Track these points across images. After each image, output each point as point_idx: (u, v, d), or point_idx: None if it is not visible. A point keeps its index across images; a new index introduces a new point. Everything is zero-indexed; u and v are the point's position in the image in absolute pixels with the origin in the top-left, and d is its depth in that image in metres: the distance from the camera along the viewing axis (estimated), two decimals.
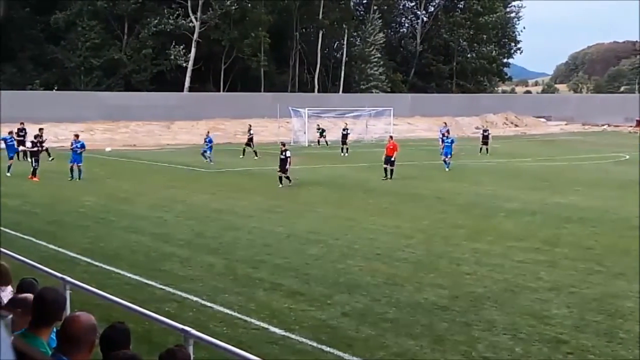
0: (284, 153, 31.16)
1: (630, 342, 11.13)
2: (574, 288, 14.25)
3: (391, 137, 37.44)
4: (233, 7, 77.31)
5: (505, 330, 11.69)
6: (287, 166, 30.96)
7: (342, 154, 47.32)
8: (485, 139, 49.60)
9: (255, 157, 43.46)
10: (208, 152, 41.27)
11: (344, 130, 50.17)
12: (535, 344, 11.08)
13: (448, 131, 44.68)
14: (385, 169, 33.83)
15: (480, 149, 48.75)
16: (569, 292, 13.96)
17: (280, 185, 30.69)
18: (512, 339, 11.28)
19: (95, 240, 18.85)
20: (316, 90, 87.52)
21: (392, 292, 13.90)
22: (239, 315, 12.40)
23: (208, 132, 44.26)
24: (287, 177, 31.00)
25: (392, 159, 33.88)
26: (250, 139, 46.27)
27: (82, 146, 33.18)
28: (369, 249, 17.98)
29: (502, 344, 11.09)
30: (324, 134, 56.36)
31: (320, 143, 55.82)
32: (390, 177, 33.39)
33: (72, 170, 32.29)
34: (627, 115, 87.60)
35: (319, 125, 57.69)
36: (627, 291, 14.02)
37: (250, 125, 49.41)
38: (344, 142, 48.85)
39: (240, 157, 44.31)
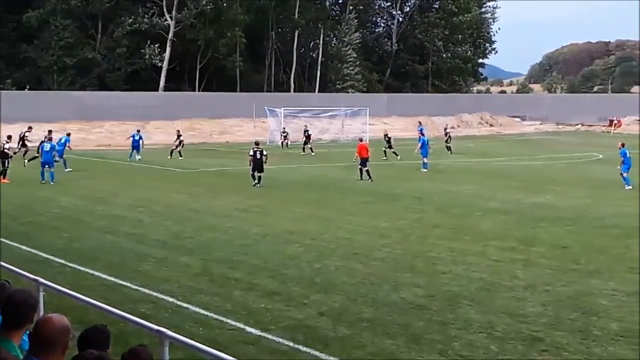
0: (257, 152, 31.07)
1: (604, 339, 11.19)
2: (549, 286, 14.32)
3: (361, 139, 37.83)
4: (208, 7, 77.07)
5: (481, 328, 11.72)
6: (264, 165, 31.17)
7: (307, 154, 47.99)
8: (447, 137, 50.80)
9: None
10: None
11: (305, 131, 51.86)
12: (511, 342, 11.12)
13: (422, 131, 44.81)
14: (361, 170, 33.85)
15: (447, 148, 49.39)
16: (544, 291, 14.02)
17: (254, 184, 30.71)
18: (488, 337, 11.30)
19: (70, 241, 18.70)
20: (292, 90, 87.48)
21: (369, 292, 13.90)
22: (215, 316, 12.34)
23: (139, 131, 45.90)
24: (259, 177, 30.91)
25: (367, 159, 34.00)
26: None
27: (53, 148, 32.37)
28: (345, 248, 17.96)
29: (478, 342, 11.12)
30: (288, 136, 56.14)
31: (283, 145, 55.41)
32: (370, 178, 33.23)
33: (42, 173, 31.15)
34: (600, 115, 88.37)
35: (284, 128, 57.52)
36: (602, 289, 14.10)
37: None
38: (306, 143, 50.31)
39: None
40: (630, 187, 30.40)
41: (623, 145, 32.60)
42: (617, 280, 14.75)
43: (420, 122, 58.98)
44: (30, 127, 40.44)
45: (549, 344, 11.00)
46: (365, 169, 33.67)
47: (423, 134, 41.52)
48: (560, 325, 11.90)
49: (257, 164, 30.96)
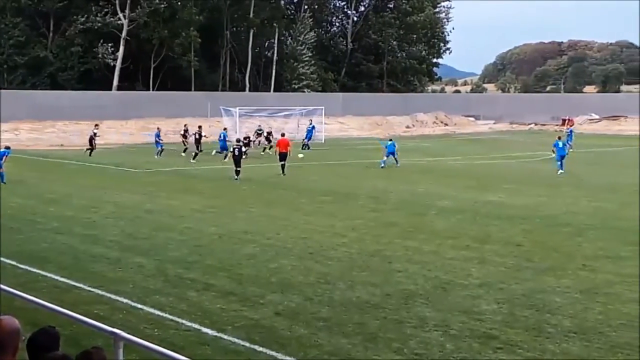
0: (236, 149, 33.31)
1: (557, 336, 11.33)
2: (503, 284, 14.47)
3: (283, 134, 39.12)
4: (162, 6, 76.42)
5: (437, 326, 11.79)
6: (242, 159, 33.47)
7: (266, 154, 48.13)
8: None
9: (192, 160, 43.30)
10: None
11: (258, 132, 52.31)
12: (466, 339, 11.20)
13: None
14: (283, 166, 35.13)
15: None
16: (498, 288, 14.16)
17: (236, 178, 32.46)
18: (443, 335, 11.37)
19: (22, 243, 18.40)
20: (247, 89, 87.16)
21: (325, 291, 13.90)
22: (171, 317, 12.24)
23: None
24: (237, 171, 32.81)
25: (287, 154, 35.41)
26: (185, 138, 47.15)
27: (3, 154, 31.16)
28: (302, 248, 17.95)
29: (433, 340, 11.18)
30: (262, 134, 56.08)
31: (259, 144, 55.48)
32: (283, 173, 34.69)
33: None
34: (553, 115, 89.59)
35: (260, 126, 57.32)
36: (555, 286, 14.28)
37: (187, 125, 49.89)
38: (269, 141, 50.30)
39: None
40: (560, 172, 36.48)
41: (559, 138, 39.48)
42: (570, 278, 14.96)
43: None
44: None
45: (504, 342, 11.10)
46: (282, 163, 35.07)
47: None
48: (515, 323, 12.02)
49: (236, 160, 33.06)
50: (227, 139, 43.70)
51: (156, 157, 44.19)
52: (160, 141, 46.13)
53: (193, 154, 43.19)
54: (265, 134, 51.50)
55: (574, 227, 21.05)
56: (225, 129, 48.20)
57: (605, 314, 12.52)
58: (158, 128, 49.11)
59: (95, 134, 47.29)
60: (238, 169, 33.07)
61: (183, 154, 44.83)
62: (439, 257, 16.99)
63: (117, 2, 75.69)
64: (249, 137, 46.87)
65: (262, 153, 48.07)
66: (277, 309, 12.75)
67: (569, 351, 10.75)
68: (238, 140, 35.79)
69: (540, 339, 11.25)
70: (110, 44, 75.52)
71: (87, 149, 45.76)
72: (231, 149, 34.21)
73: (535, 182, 33.20)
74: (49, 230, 20.24)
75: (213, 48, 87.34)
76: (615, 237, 19.48)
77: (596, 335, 11.42)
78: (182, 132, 47.74)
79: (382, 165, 38.75)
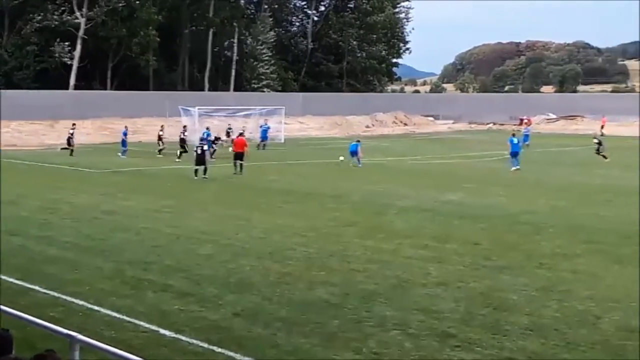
0: (199, 148, 33.80)
1: (514, 334, 11.41)
2: (462, 283, 14.55)
3: (240, 134, 39.63)
4: (120, 4, 75.67)
5: (396, 325, 11.81)
6: (205, 158, 33.85)
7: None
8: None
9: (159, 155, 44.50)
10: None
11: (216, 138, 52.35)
12: (425, 338, 11.23)
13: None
14: (235, 164, 35.44)
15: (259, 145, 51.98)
16: (456, 287, 14.23)
17: (204, 177, 32.90)
18: (402, 334, 11.39)
19: None
20: (206, 88, 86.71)
21: (284, 291, 13.86)
22: (128, 318, 12.10)
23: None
24: (205, 169, 33.34)
25: (243, 154, 35.68)
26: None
27: None
28: (260, 248, 17.89)
29: (392, 339, 11.20)
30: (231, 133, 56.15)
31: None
32: (241, 171, 35.01)
33: None
34: (511, 114, 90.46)
35: (230, 125, 57.23)
36: (512, 284, 14.40)
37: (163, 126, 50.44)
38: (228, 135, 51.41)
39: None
40: (514, 168, 37.77)
41: (514, 134, 41.26)
42: (527, 276, 15.10)
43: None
44: None
45: (462, 340, 11.16)
46: (240, 162, 35.32)
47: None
48: (473, 321, 12.09)
49: (200, 159, 33.42)
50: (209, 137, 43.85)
51: (121, 156, 44.14)
52: (126, 139, 46.38)
53: (178, 152, 43.68)
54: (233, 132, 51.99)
55: (532, 226, 21.26)
56: (184, 126, 48.64)
57: (561, 311, 12.65)
58: (126, 127, 49.08)
59: (72, 134, 47.58)
60: (204, 167, 33.44)
61: (159, 155, 45.24)
62: (398, 256, 17.03)
63: (74, 0, 74.80)
64: (219, 137, 47.93)
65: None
66: (236, 309, 12.68)
67: (525, 348, 10.83)
68: (201, 140, 36.53)
69: (497, 336, 11.33)
70: (67, 43, 74.54)
71: (63, 148, 46.24)
72: (194, 149, 34.56)
73: (494, 181, 33.48)
74: (3, 231, 19.84)
75: (172, 47, 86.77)
76: (571, 236, 19.72)
77: (552, 332, 11.53)
78: (159, 133, 48.11)
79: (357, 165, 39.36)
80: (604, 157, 43.82)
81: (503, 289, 14.08)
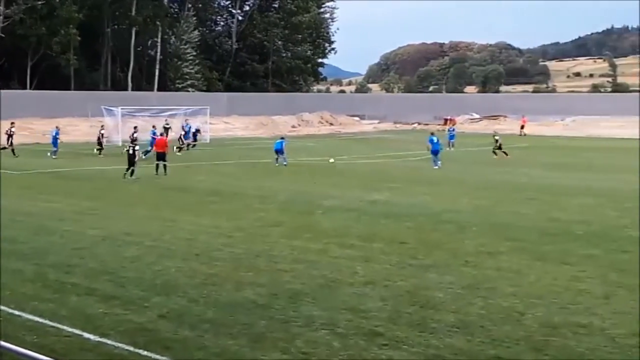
0: (130, 148, 33.71)
1: (441, 332, 11.54)
2: (388, 281, 14.65)
3: (161, 134, 39.88)
4: (39, 2, 73.97)
5: (324, 325, 11.82)
6: (135, 159, 33.78)
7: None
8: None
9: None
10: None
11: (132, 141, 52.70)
12: (353, 337, 11.27)
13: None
14: (157, 165, 35.23)
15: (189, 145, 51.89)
16: (383, 286, 14.33)
17: (131, 177, 32.83)
18: (330, 334, 11.41)
19: None
20: (130, 88, 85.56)
21: (211, 292, 13.74)
22: (51, 323, 11.82)
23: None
24: (132, 171, 33.17)
25: (165, 154, 35.57)
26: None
27: None
28: (187, 249, 17.71)
29: (320, 338, 11.20)
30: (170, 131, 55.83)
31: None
32: (165, 172, 34.85)
33: None
34: (435, 114, 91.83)
35: (167, 122, 56.68)
36: (438, 283, 14.57)
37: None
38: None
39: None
40: (436, 167, 38.94)
41: (432, 133, 42.91)
42: (453, 274, 15.29)
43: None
44: (12, 123, 43.48)
45: (389, 338, 11.23)
46: (163, 163, 35.19)
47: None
48: (399, 320, 12.19)
49: (130, 160, 33.42)
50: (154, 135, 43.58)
51: (52, 157, 43.70)
52: (58, 139, 45.83)
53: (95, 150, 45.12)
54: (193, 131, 52.59)
55: (456, 225, 21.55)
56: (102, 125, 49.11)
57: (487, 308, 12.85)
58: (57, 127, 48.13)
59: (12, 132, 47.11)
60: (132, 168, 33.33)
61: (100, 156, 45.47)
62: (325, 256, 17.06)
63: None
64: (199, 130, 50.44)
65: (177, 154, 47.15)
66: (162, 311, 12.52)
67: (452, 345, 10.96)
68: (132, 140, 36.89)
69: (424, 334, 11.44)
70: None
71: (3, 148, 45.62)
72: (125, 149, 34.57)
73: (419, 180, 33.86)
74: None
75: (94, 46, 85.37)
76: (494, 234, 20.06)
77: (478, 329, 11.70)
78: (99, 134, 48.19)
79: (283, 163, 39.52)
80: (505, 153, 46.16)
81: (429, 287, 14.24)
